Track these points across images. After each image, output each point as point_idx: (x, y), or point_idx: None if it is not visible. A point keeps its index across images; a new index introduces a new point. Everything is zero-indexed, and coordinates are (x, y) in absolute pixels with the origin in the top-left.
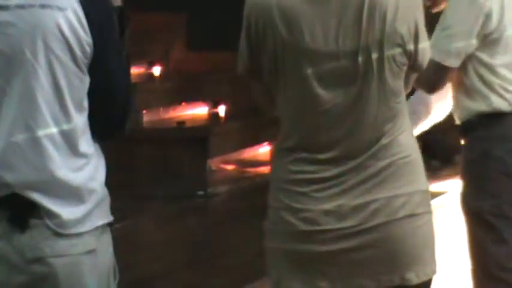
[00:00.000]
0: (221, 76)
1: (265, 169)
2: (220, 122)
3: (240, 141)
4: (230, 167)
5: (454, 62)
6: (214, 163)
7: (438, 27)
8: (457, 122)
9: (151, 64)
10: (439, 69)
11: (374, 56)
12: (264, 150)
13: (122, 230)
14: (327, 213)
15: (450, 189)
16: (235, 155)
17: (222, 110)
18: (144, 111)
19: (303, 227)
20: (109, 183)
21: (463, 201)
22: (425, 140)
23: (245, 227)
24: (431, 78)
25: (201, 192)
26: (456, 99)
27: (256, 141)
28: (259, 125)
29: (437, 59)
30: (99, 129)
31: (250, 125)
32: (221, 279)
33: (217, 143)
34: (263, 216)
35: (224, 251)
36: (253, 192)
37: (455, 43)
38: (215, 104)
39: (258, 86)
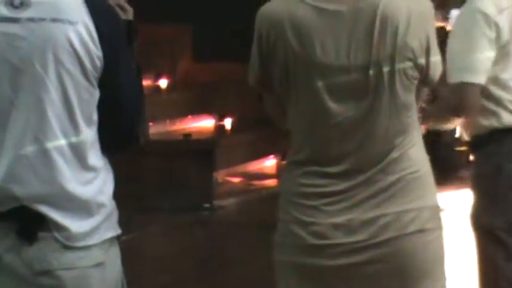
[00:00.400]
0: (227, 88)
1: (271, 182)
2: (227, 135)
3: (246, 154)
4: (236, 180)
5: (477, 78)
6: (220, 176)
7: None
8: (467, 137)
9: (158, 76)
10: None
11: (385, 69)
12: (270, 163)
13: (128, 242)
14: (337, 227)
15: (449, 205)
16: (242, 168)
17: (228, 122)
18: (151, 124)
19: (313, 240)
20: (115, 194)
21: (473, 217)
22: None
23: (251, 239)
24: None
25: (207, 205)
26: None
27: (263, 154)
28: (266, 137)
29: (459, 79)
30: (109, 142)
31: (256, 137)
32: None
33: (223, 156)
34: (269, 228)
35: (230, 263)
36: (259, 204)
37: (475, 54)
38: (221, 117)
39: (269, 97)
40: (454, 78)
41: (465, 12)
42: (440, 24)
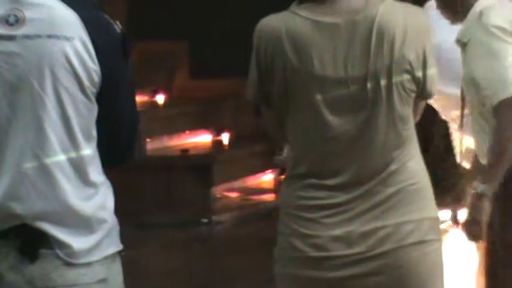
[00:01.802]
0: (225, 104)
1: (269, 197)
2: (224, 150)
3: (243, 169)
4: (234, 195)
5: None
6: (218, 191)
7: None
8: (483, 161)
9: (154, 92)
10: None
11: (383, 82)
12: (267, 177)
13: (126, 258)
14: (336, 239)
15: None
16: (239, 183)
17: (225, 137)
18: (148, 139)
19: (312, 253)
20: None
21: (492, 231)
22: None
23: (250, 254)
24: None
25: (205, 220)
26: (481, 138)
27: (260, 168)
28: (263, 152)
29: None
30: (105, 157)
31: (254, 152)
32: None
33: (221, 171)
34: (267, 243)
35: (229, 278)
36: (257, 219)
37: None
38: (219, 132)
39: (267, 112)
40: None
41: (476, 34)
42: None
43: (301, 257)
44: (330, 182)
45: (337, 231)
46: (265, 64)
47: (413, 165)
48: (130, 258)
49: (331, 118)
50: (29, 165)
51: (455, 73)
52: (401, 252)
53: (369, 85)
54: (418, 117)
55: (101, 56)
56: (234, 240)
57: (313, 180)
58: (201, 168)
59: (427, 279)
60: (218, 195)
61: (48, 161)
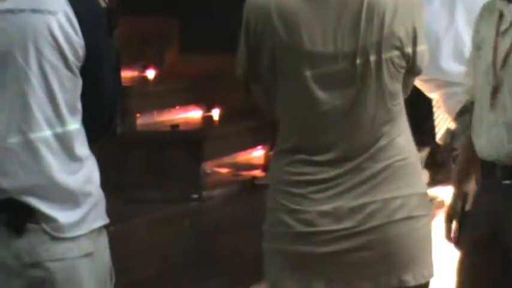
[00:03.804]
0: (215, 80)
1: (259, 172)
2: (214, 126)
3: (234, 145)
4: (224, 171)
5: None
6: (208, 166)
7: None
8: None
9: (144, 67)
10: None
11: (372, 58)
12: (258, 153)
13: (115, 233)
14: (324, 214)
15: (443, 195)
16: (230, 159)
17: (216, 113)
18: (138, 115)
19: (300, 228)
20: (102, 186)
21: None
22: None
23: (239, 230)
24: None
25: (195, 196)
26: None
27: (251, 144)
28: (254, 128)
29: None
30: (86, 130)
31: (244, 128)
32: (215, 283)
33: (211, 147)
34: (257, 219)
35: (219, 255)
36: (247, 195)
37: None
38: (209, 108)
39: (256, 87)
40: None
41: None
42: None
43: (289, 232)
44: (318, 157)
45: (326, 207)
46: (255, 39)
47: (401, 141)
48: (119, 233)
49: (320, 93)
50: (14, 140)
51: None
52: (389, 228)
53: (358, 61)
54: (406, 94)
55: (84, 30)
56: (224, 216)
57: (302, 156)
58: (192, 143)
59: (415, 255)
60: (208, 171)
61: (34, 135)
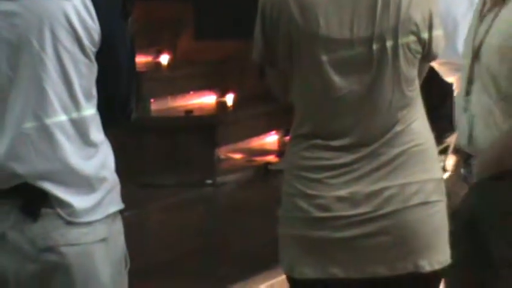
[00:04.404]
0: (229, 65)
1: (272, 158)
2: (228, 111)
3: (248, 130)
4: (238, 156)
5: None
6: (222, 152)
7: None
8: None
9: (159, 53)
10: None
11: (388, 43)
12: (272, 139)
13: (130, 219)
14: (341, 199)
15: None
16: (243, 144)
17: (230, 98)
18: (152, 100)
19: (316, 213)
20: (117, 171)
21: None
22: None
23: (253, 215)
24: None
25: (209, 181)
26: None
27: (265, 130)
28: (268, 113)
29: None
30: (101, 116)
31: (258, 113)
32: (230, 268)
33: (225, 132)
34: (271, 204)
35: (232, 240)
36: (261, 181)
37: None
38: (223, 93)
39: (272, 72)
40: None
41: None
42: None
43: (305, 217)
44: (335, 142)
45: (342, 192)
46: (271, 24)
47: (417, 126)
48: (133, 219)
49: (337, 79)
50: (29, 125)
51: None
52: (405, 213)
53: (374, 46)
54: (421, 80)
55: (100, 16)
56: (238, 201)
57: (318, 141)
58: (205, 129)
59: (430, 240)
60: (222, 156)
61: (49, 121)
